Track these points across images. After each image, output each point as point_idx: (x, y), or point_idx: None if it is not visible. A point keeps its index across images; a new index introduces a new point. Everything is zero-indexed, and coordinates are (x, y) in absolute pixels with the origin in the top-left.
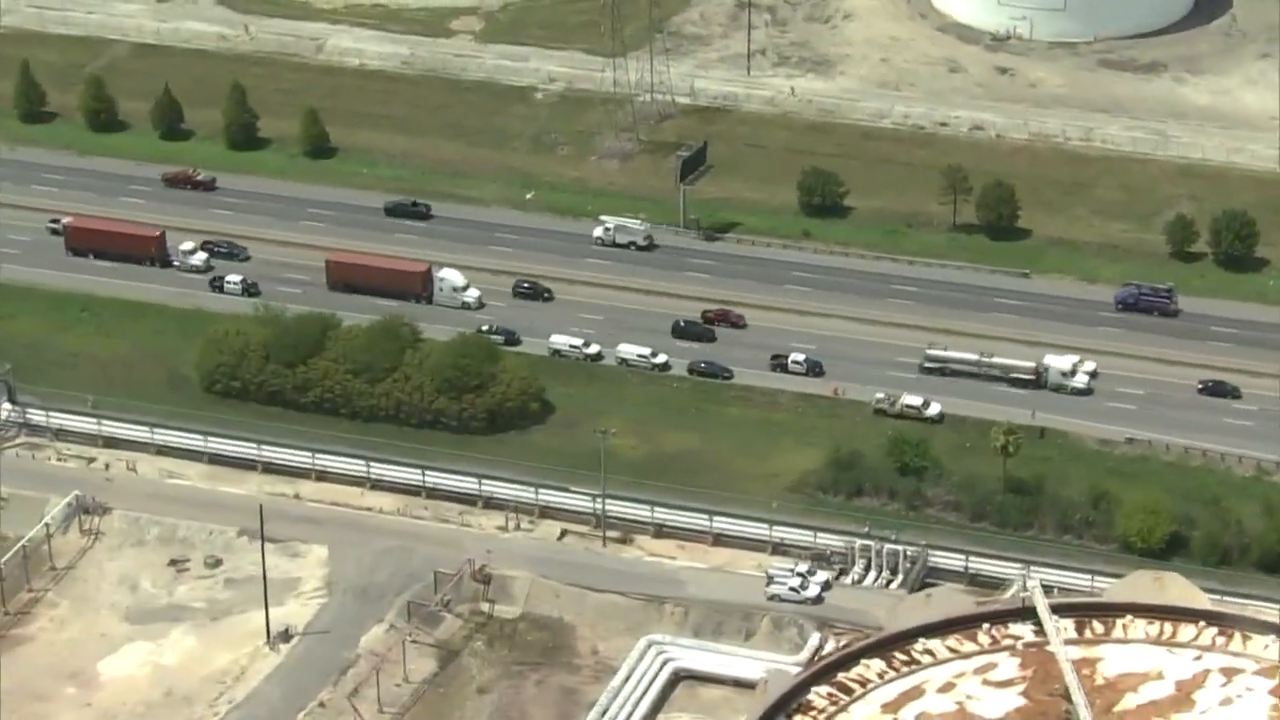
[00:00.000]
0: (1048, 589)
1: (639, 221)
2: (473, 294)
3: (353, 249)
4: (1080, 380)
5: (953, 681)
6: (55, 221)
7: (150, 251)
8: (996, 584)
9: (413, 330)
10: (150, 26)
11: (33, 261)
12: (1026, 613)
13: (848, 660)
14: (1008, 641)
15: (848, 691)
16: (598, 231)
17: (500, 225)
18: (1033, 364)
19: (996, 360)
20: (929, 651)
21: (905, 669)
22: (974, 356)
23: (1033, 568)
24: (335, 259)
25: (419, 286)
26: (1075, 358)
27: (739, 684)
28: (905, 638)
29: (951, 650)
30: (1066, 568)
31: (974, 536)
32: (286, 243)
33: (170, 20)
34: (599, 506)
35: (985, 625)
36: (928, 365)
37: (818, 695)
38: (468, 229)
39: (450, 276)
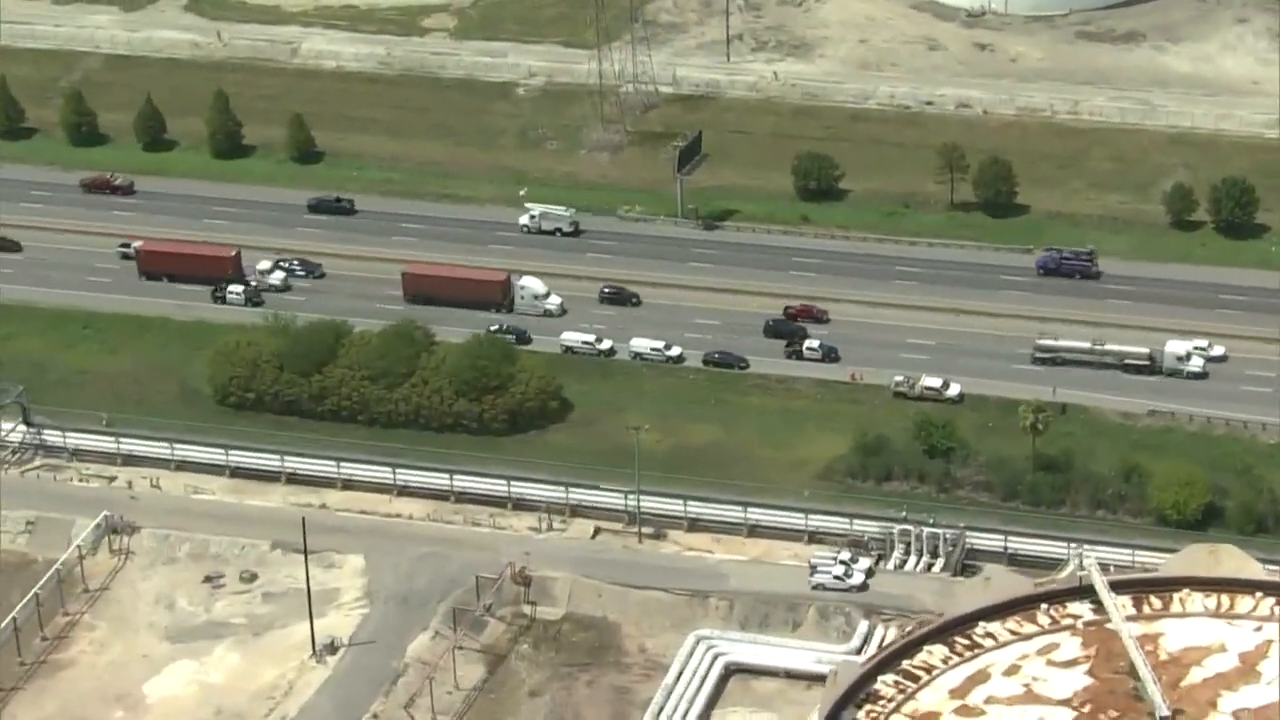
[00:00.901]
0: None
1: (564, 208)
2: (554, 301)
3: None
4: (1196, 364)
5: (1017, 664)
6: (126, 245)
7: (227, 272)
8: (1037, 563)
9: (426, 333)
10: (121, 37)
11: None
12: (1083, 591)
13: (910, 648)
14: (1067, 621)
15: (914, 679)
16: (523, 219)
17: (499, 224)
18: (1147, 350)
19: (1110, 348)
20: (990, 635)
21: (968, 653)
22: (1086, 344)
23: (1075, 545)
24: (411, 270)
25: (499, 295)
26: (1193, 342)
27: (791, 675)
28: (965, 622)
29: (1012, 632)
30: (1106, 543)
31: (1008, 516)
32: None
33: (141, 30)
34: (631, 503)
35: (1044, 606)
36: (1039, 355)
37: (884, 684)
38: (467, 229)
39: (531, 284)
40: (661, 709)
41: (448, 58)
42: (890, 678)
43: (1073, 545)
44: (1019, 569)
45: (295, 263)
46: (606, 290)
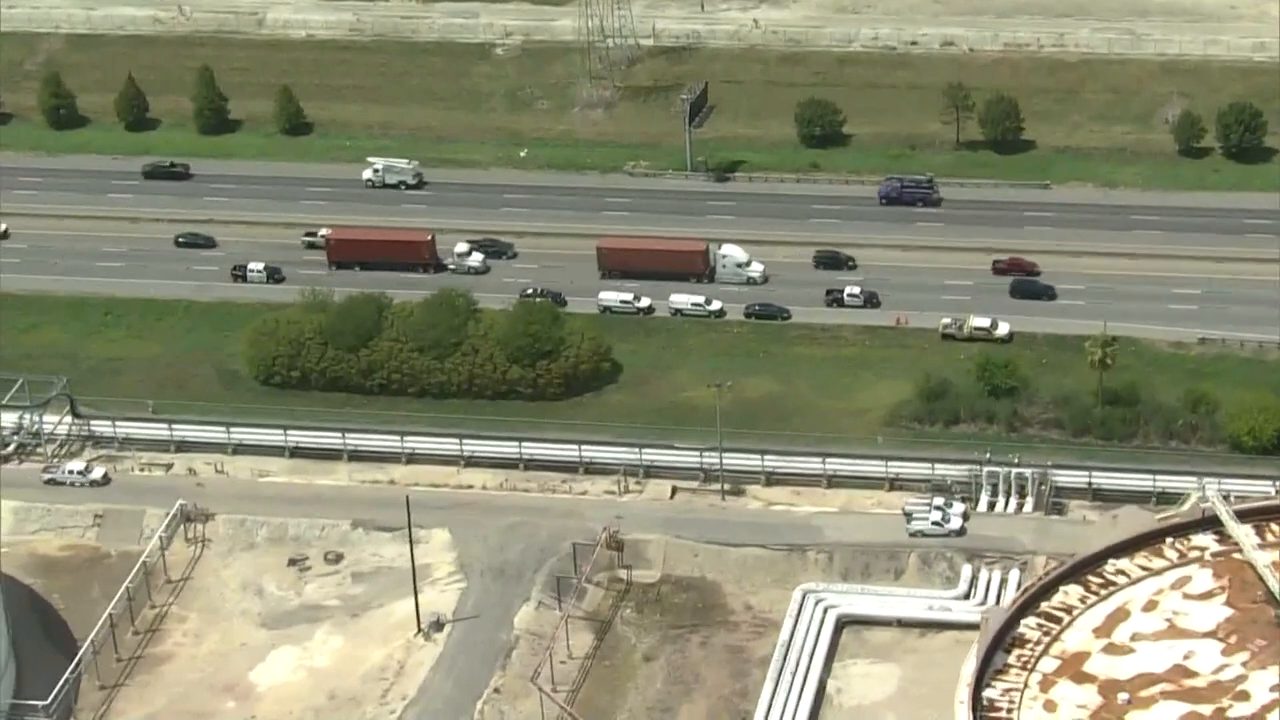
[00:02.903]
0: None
1: (407, 161)
2: (757, 268)
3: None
4: None
5: (1154, 599)
6: (311, 234)
7: (423, 257)
8: (1122, 497)
9: (468, 300)
10: (80, 16)
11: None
12: (1206, 523)
13: (1047, 589)
14: (1194, 553)
15: (1056, 620)
16: (366, 174)
17: (505, 186)
18: None
19: None
20: (1122, 572)
21: (1104, 591)
22: None
23: (1158, 477)
24: (607, 244)
25: (700, 265)
26: None
27: (903, 624)
28: (1096, 560)
29: (1143, 568)
30: (1191, 473)
31: (1083, 452)
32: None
33: (99, 8)
34: (706, 460)
35: (1169, 540)
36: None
37: (1028, 627)
38: (473, 193)
39: (732, 252)
40: (783, 665)
41: (419, 21)
42: (1033, 620)
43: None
44: (1104, 503)
45: (490, 244)
46: (823, 255)
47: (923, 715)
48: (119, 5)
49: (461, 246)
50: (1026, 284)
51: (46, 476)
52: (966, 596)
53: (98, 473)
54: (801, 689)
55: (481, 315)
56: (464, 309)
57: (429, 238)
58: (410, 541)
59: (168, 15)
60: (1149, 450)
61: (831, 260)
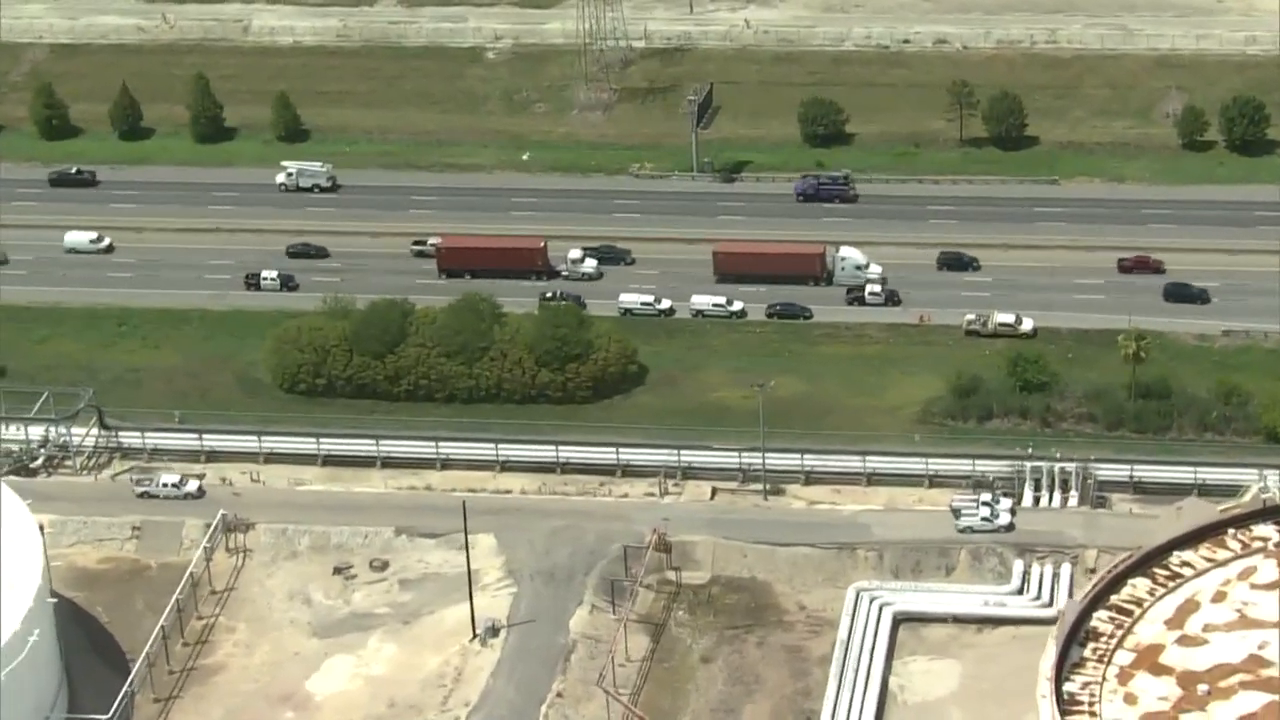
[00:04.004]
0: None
1: (321, 164)
2: (875, 270)
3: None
4: None
5: (1222, 590)
6: (420, 243)
7: (536, 264)
8: (1164, 490)
9: (492, 305)
10: (62, 25)
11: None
12: (1266, 514)
13: (1116, 583)
14: (1257, 544)
15: (1127, 613)
16: (280, 177)
17: (512, 190)
18: None
19: None
20: (1187, 564)
21: (1171, 583)
22: None
23: (1199, 469)
24: (723, 248)
25: (817, 268)
26: None
27: (959, 620)
28: (1160, 553)
29: (1207, 559)
30: (1231, 465)
31: (1121, 445)
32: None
33: (81, 17)
34: (745, 461)
35: (1231, 531)
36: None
37: (1100, 621)
38: (484, 198)
39: (851, 255)
40: (843, 664)
41: (406, 26)
42: (1104, 614)
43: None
44: (1145, 496)
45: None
46: (947, 255)
47: (989, 710)
48: (101, 14)
49: (575, 253)
50: (1181, 288)
51: (140, 490)
52: (1020, 591)
53: (192, 485)
54: (865, 687)
55: (506, 319)
56: (488, 313)
57: (542, 244)
58: (466, 547)
59: (151, 24)
60: (1185, 443)
61: (955, 261)
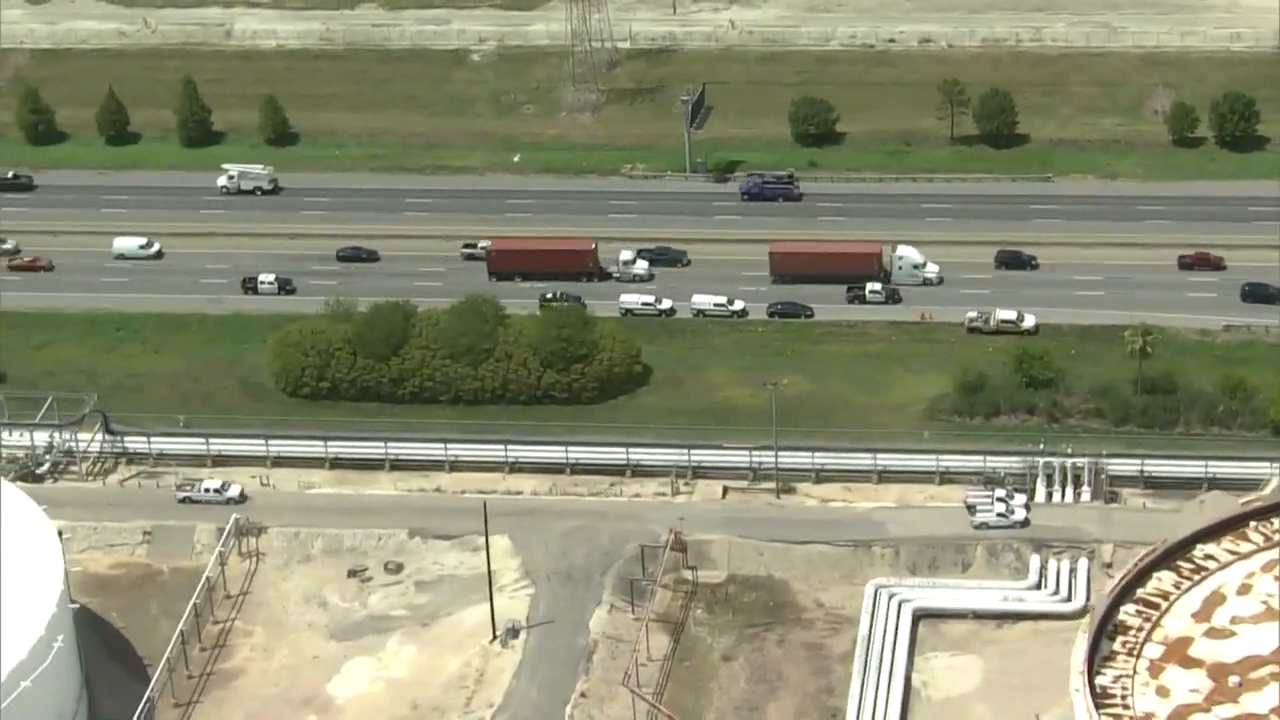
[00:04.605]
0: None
1: (262, 167)
2: (933, 269)
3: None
4: None
5: (1248, 583)
6: (470, 246)
7: (587, 265)
8: (1174, 484)
9: (495, 306)
10: (42, 30)
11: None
12: None
13: (1141, 576)
14: (1279, 536)
15: (1154, 607)
16: (221, 180)
17: (506, 192)
18: None
19: None
20: (1211, 557)
21: (1196, 576)
22: None
23: (1210, 463)
24: (780, 249)
25: (874, 266)
26: None
27: (979, 616)
28: (1184, 546)
29: (1230, 552)
30: (1241, 458)
31: (1128, 440)
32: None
33: (61, 22)
34: (756, 459)
35: (1252, 523)
36: None
37: (1128, 614)
38: (479, 200)
39: (908, 254)
40: (865, 661)
41: (390, 29)
42: (1131, 607)
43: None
44: (1156, 491)
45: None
46: (1004, 254)
47: (1014, 705)
48: (81, 19)
49: (626, 254)
50: (1260, 289)
51: (181, 495)
52: (1038, 586)
53: (234, 490)
54: (889, 684)
55: (510, 321)
56: (492, 315)
57: (593, 246)
58: (487, 548)
59: (133, 28)
60: (1193, 437)
61: (1014, 259)
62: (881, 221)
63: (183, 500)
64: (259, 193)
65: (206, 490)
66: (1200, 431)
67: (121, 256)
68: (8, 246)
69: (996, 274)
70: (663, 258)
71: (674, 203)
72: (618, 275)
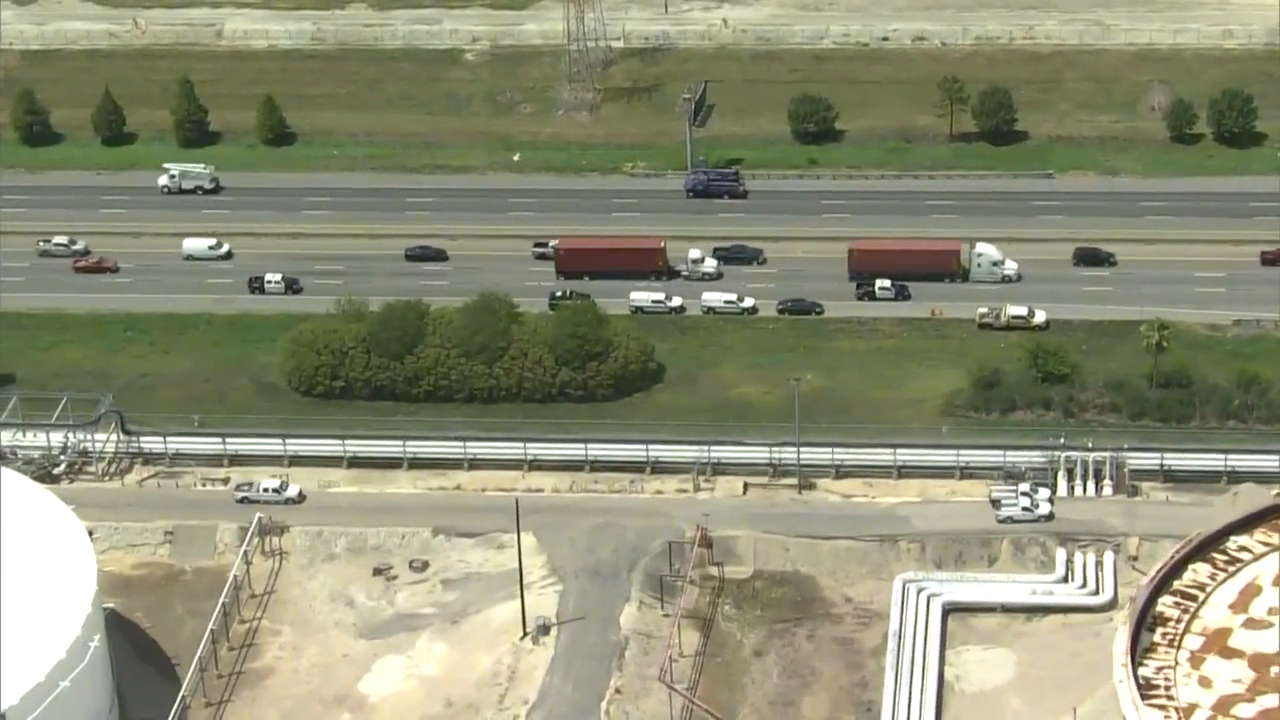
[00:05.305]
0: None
1: (203, 166)
2: (1011, 267)
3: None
4: None
5: None
6: (541, 245)
7: (656, 264)
8: (1195, 478)
9: (508, 304)
10: (31, 31)
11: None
12: None
13: (1177, 568)
14: None
15: (1191, 598)
16: (162, 180)
17: (509, 191)
18: None
19: None
20: (1245, 548)
21: (1231, 568)
22: None
23: (1230, 456)
24: (859, 246)
25: (953, 264)
26: None
27: (1008, 609)
28: (1218, 538)
29: (1264, 544)
30: (1261, 451)
31: (1144, 434)
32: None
33: (50, 23)
34: (776, 455)
35: None
36: None
37: (1165, 606)
38: (483, 198)
39: (987, 251)
40: (898, 654)
41: (381, 28)
42: (1169, 599)
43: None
44: (1176, 484)
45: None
46: (1084, 251)
47: (1048, 697)
48: (70, 20)
49: (695, 252)
50: None
51: (240, 495)
52: (1065, 580)
53: (293, 490)
54: (924, 678)
55: (523, 319)
56: (504, 313)
57: (661, 244)
58: (519, 545)
59: (122, 29)
60: (1209, 431)
61: (1092, 256)
62: (883, 218)
63: (241, 500)
64: (200, 192)
65: (265, 490)
66: (1216, 426)
67: (190, 257)
68: (78, 247)
69: (1073, 270)
70: (738, 256)
71: (676, 200)
72: (686, 274)
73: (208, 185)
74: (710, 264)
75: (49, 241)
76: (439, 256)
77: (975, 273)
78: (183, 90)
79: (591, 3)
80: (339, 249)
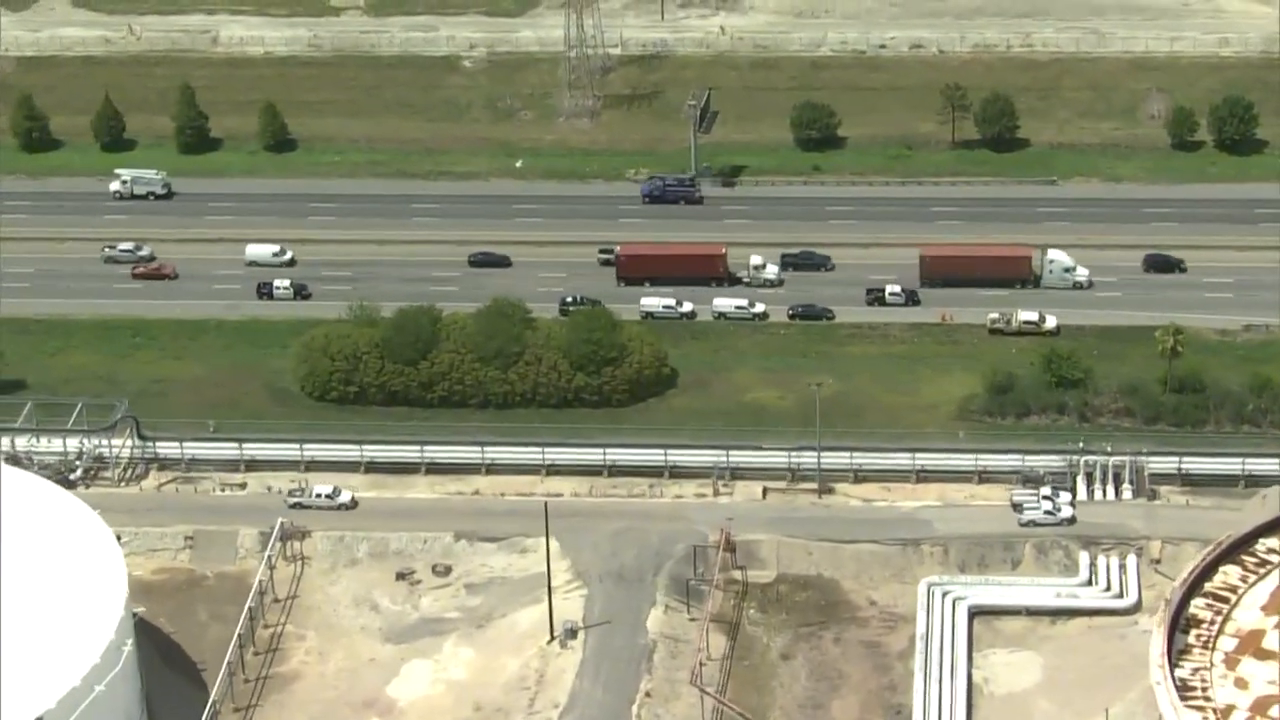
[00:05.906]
0: None
1: (155, 172)
2: (1083, 273)
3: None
4: None
5: None
6: (606, 251)
7: (718, 270)
8: (1212, 481)
9: (522, 310)
10: (26, 38)
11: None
12: None
13: (1208, 570)
14: None
15: (1223, 600)
16: (114, 185)
17: (513, 197)
18: None
19: None
20: (1274, 550)
21: (1261, 570)
22: None
23: (1247, 460)
24: (930, 252)
25: (1026, 270)
26: None
27: (1033, 613)
28: (1247, 540)
29: None
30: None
31: (1159, 438)
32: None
33: (44, 29)
34: (795, 460)
35: None
36: None
37: (1198, 608)
38: (489, 205)
39: (1059, 257)
40: (926, 658)
41: (378, 35)
42: (1201, 601)
43: (1239, 460)
44: (1194, 488)
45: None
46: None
47: (1077, 700)
48: (65, 26)
49: (756, 259)
50: None
51: (292, 501)
52: (1089, 583)
53: (346, 496)
54: (952, 681)
55: (537, 324)
56: (518, 318)
57: (723, 251)
58: (547, 549)
59: (117, 35)
60: (1224, 435)
61: (1163, 263)
62: (889, 225)
63: (293, 505)
64: (152, 197)
65: (318, 495)
66: (1231, 430)
67: (254, 264)
68: (144, 253)
69: (1143, 277)
70: (807, 263)
71: (679, 207)
72: (748, 280)
73: (159, 190)
74: (771, 270)
75: (114, 247)
76: (503, 263)
77: (1047, 279)
78: (183, 96)
79: (590, 9)
80: (348, 255)
